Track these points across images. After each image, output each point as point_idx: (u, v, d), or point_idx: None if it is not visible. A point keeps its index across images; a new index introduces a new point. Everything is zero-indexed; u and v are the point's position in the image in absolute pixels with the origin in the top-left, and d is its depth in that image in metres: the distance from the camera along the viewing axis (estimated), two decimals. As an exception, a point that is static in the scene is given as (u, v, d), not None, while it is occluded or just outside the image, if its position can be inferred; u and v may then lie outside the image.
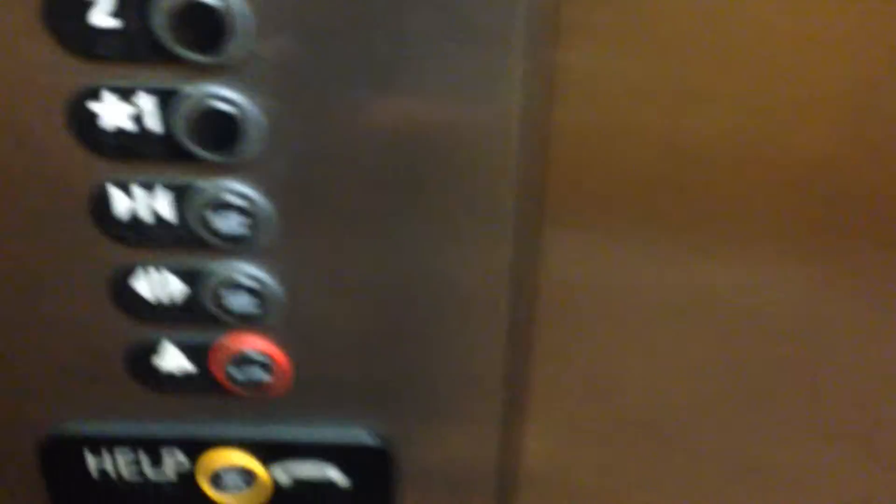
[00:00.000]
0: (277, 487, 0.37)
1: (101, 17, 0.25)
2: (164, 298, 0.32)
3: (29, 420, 0.36)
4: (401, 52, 0.27)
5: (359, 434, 0.36)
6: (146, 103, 0.27)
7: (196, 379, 0.34)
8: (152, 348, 0.34)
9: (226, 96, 0.27)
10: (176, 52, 0.26)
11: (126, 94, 0.27)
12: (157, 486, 0.37)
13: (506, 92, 0.28)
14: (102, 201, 0.30)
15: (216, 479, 0.37)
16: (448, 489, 0.39)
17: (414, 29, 0.27)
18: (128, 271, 0.32)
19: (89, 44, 0.26)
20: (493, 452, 0.39)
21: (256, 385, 0.34)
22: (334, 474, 0.37)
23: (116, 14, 0.25)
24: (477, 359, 0.35)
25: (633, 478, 0.43)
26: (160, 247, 0.31)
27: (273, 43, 0.26)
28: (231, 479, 0.37)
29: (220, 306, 0.32)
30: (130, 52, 0.26)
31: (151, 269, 0.32)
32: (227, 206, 0.30)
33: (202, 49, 0.26)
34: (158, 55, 0.26)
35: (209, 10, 0.25)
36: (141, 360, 0.34)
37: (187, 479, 0.37)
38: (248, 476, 0.37)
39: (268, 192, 0.30)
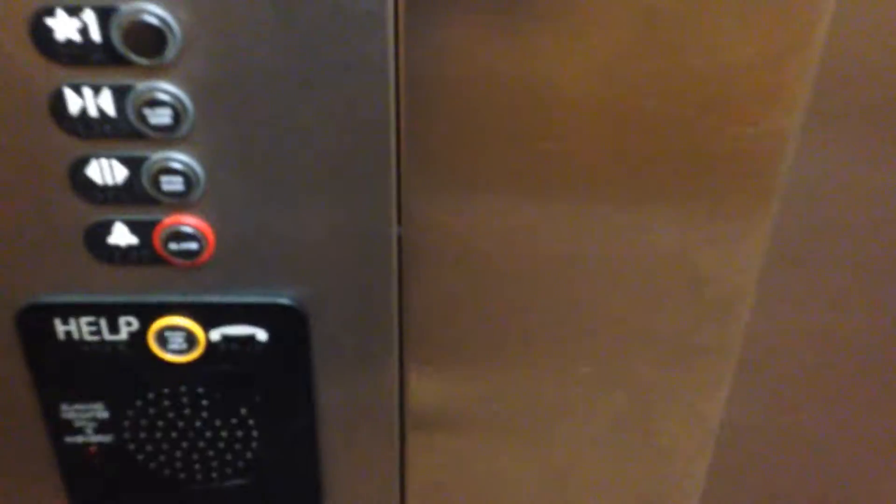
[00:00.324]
0: (210, 344, 0.46)
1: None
2: (112, 182, 0.40)
3: (4, 294, 0.44)
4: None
5: (277, 296, 0.45)
6: (90, 18, 0.36)
7: (141, 252, 0.43)
8: (105, 227, 0.42)
9: (150, 10, 0.35)
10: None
11: (74, 12, 0.36)
12: (113, 346, 0.46)
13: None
14: (59, 101, 0.38)
15: (162, 339, 0.45)
16: (355, 343, 0.47)
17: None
18: (81, 161, 0.40)
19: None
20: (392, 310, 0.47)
21: (188, 254, 0.43)
22: (258, 330, 0.45)
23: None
24: (368, 235, 0.44)
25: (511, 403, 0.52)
26: (106, 138, 0.39)
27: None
28: (173, 337, 0.45)
29: (157, 187, 0.40)
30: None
31: (100, 159, 0.40)
32: (157, 102, 0.38)
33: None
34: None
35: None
36: (96, 237, 0.42)
37: (138, 339, 0.46)
38: (187, 334, 0.45)
39: (189, 90, 0.38)
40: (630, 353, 0.51)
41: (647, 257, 0.47)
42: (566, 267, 0.47)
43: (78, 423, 0.49)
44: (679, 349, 0.51)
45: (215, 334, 0.45)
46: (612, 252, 0.46)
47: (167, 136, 0.39)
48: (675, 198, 0.44)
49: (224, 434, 0.50)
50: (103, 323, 0.45)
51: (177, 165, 0.40)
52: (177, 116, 0.38)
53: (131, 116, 0.38)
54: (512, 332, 0.50)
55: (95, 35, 0.36)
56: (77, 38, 0.36)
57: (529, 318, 0.49)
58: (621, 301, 0.49)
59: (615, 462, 0.56)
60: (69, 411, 0.48)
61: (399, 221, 0.44)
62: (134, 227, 0.42)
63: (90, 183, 0.41)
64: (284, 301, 0.45)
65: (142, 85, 0.38)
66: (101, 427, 0.49)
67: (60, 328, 0.45)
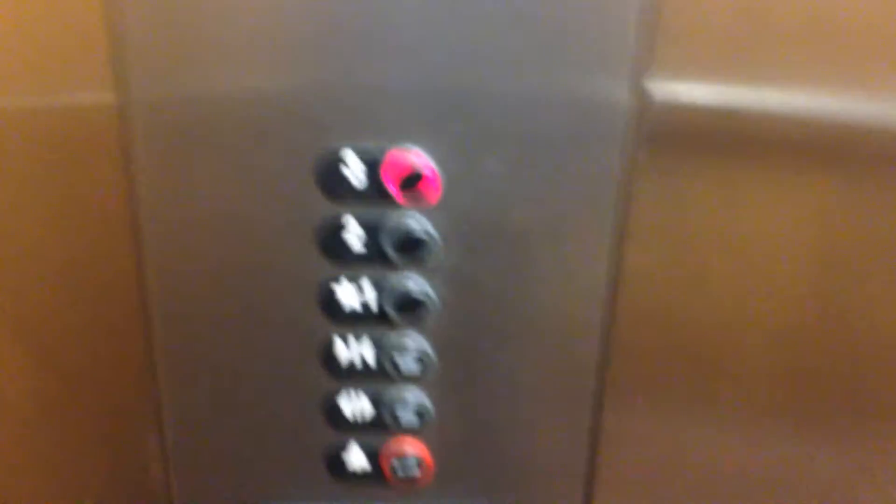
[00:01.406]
0: (418, 557, 0.53)
1: (354, 237, 0.44)
2: (358, 415, 0.49)
3: (251, 498, 0.52)
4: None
5: (479, 514, 0.52)
6: (368, 289, 0.46)
7: (369, 472, 0.51)
8: (343, 449, 0.50)
9: (418, 286, 0.45)
10: (391, 259, 0.45)
11: (356, 284, 0.46)
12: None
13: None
14: (328, 347, 0.47)
15: (375, 549, 0.52)
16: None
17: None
18: (335, 395, 0.49)
19: (341, 252, 0.45)
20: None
21: (411, 478, 0.50)
22: (460, 547, 0.52)
23: (361, 241, 0.44)
24: (562, 463, 0.51)
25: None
26: (360, 378, 0.48)
27: (454, 259, 0.45)
28: (386, 549, 0.52)
29: (395, 420, 0.49)
30: (366, 261, 0.45)
31: (352, 395, 0.49)
32: (408, 352, 0.47)
33: (409, 259, 0.44)
34: (382, 260, 0.45)
35: (419, 241, 0.44)
36: (334, 458, 0.51)
37: (353, 550, 0.53)
38: (398, 547, 0.52)
39: (434, 343, 0.47)
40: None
41: (809, 482, 0.52)
42: (739, 486, 0.53)
43: None
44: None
45: (423, 548, 0.52)
46: (776, 474, 0.52)
47: (412, 379, 0.48)
48: (837, 434, 0.51)
49: None
50: (327, 532, 0.52)
51: (414, 404, 0.48)
52: (422, 364, 0.47)
53: (384, 363, 0.47)
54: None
55: (370, 301, 0.46)
56: (356, 303, 0.46)
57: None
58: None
59: None
60: None
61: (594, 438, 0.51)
62: (367, 450, 0.50)
63: (340, 414, 0.49)
64: (486, 521, 0.52)
65: (396, 339, 0.47)
66: None
67: (292, 535, 0.52)
